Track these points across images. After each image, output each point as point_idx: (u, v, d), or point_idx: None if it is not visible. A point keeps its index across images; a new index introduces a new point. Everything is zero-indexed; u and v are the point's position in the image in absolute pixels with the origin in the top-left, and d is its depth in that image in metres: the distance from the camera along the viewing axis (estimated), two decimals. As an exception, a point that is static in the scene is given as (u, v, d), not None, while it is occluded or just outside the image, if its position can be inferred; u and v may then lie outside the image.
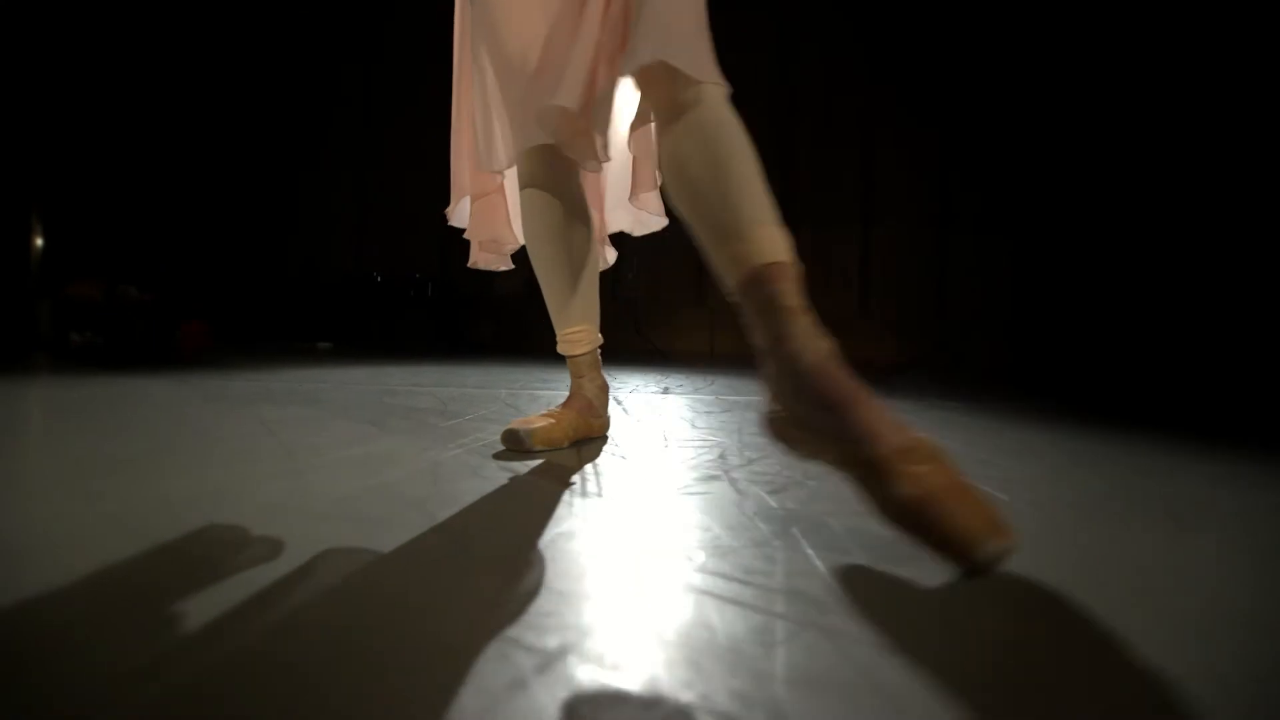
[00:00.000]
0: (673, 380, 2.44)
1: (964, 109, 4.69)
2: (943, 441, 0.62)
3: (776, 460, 1.06)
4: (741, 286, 0.74)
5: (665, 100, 0.83)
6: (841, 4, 4.96)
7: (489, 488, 0.87)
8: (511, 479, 0.92)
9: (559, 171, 1.12)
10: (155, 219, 4.75)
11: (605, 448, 1.15)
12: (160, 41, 4.88)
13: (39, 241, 3.82)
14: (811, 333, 0.68)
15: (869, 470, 0.59)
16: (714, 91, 0.82)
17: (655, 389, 2.13)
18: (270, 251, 5.41)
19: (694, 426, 1.39)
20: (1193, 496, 0.95)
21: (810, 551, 0.64)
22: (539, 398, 1.82)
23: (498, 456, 1.05)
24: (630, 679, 0.41)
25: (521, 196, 1.15)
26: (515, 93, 0.96)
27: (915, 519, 0.56)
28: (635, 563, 0.61)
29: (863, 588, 0.57)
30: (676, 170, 0.82)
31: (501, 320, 5.20)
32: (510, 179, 1.22)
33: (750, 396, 1.96)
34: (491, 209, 1.20)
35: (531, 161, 1.09)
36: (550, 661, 0.43)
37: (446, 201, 1.21)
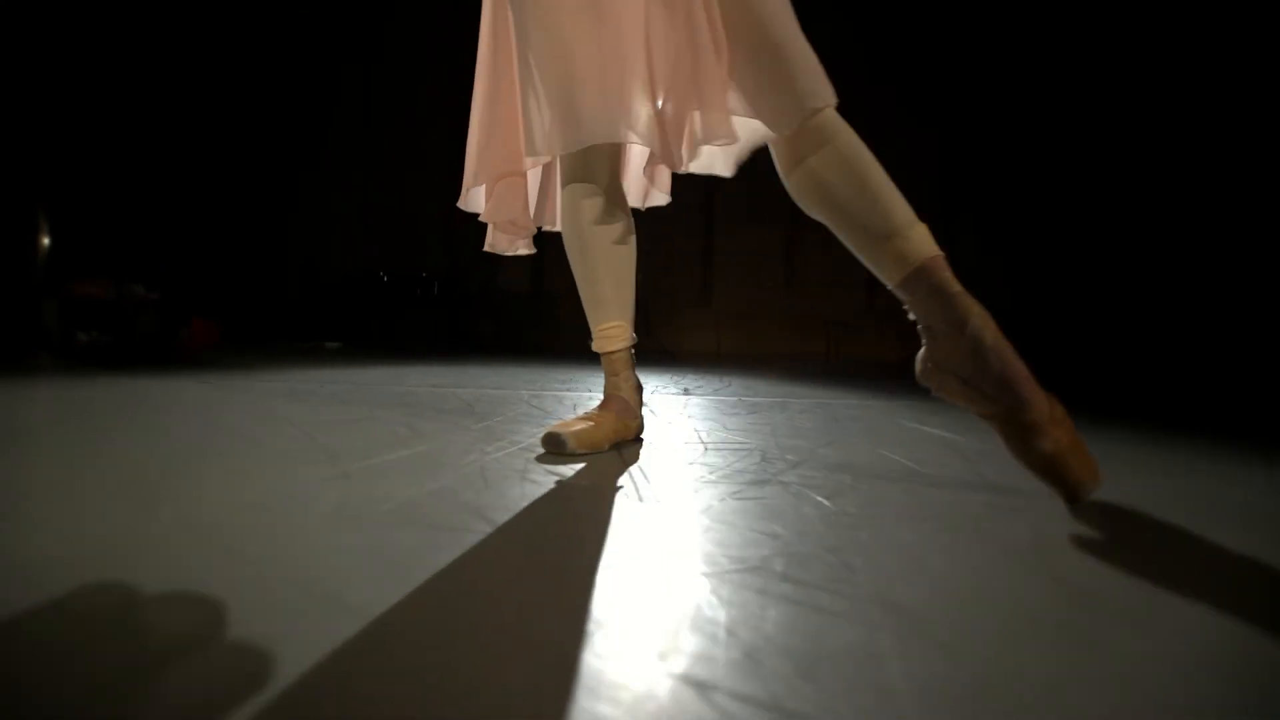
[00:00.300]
0: (689, 381, 2.43)
1: (964, 109, 4.70)
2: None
3: (819, 463, 1.05)
4: (908, 279, 0.85)
5: (796, 131, 0.89)
6: (841, 4, 4.97)
7: (540, 492, 0.86)
8: (559, 483, 0.91)
9: (602, 162, 1.11)
10: (160, 218, 4.71)
11: (644, 450, 1.14)
12: (163, 42, 4.84)
13: (45, 240, 3.79)
14: (984, 314, 0.80)
15: (1021, 428, 0.78)
16: (833, 114, 0.90)
17: (675, 390, 2.13)
18: (272, 251, 5.37)
19: (725, 428, 1.38)
20: (1200, 496, 0.94)
21: (887, 558, 0.64)
22: (563, 399, 1.80)
23: (540, 460, 1.04)
24: (751, 696, 0.41)
25: (564, 189, 1.13)
26: (585, 85, 0.92)
27: (1049, 467, 0.78)
28: (715, 572, 0.60)
29: (951, 595, 0.56)
30: (824, 195, 0.91)
31: (502, 320, 5.18)
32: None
33: (771, 399, 1.96)
34: (513, 192, 1.18)
35: (576, 152, 1.07)
36: (659, 678, 0.42)
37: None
